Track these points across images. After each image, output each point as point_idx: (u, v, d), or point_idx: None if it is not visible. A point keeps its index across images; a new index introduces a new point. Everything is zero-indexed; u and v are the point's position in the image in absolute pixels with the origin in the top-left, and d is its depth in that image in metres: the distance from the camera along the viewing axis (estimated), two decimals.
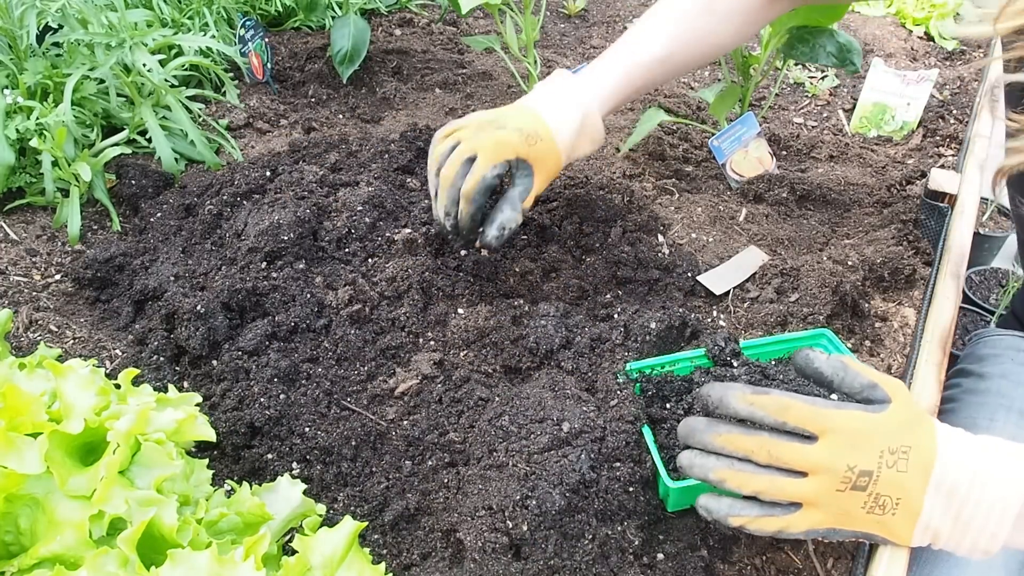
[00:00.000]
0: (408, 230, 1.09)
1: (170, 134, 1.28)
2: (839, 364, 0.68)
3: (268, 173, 1.20)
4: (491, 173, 0.90)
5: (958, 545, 0.64)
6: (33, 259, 1.10)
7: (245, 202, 1.14)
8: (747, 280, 1.11)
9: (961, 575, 0.76)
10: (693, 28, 1.03)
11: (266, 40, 1.49)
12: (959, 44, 2.04)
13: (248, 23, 1.50)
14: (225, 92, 1.47)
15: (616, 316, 1.00)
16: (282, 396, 0.86)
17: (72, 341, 0.97)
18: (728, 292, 1.09)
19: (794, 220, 1.28)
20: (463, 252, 1.03)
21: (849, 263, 1.10)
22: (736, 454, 0.66)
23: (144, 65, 1.21)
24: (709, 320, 1.05)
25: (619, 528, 0.74)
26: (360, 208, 1.09)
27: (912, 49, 2.01)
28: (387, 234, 1.08)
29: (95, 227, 1.19)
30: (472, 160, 0.91)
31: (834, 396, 0.79)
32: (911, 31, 2.10)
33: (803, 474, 0.64)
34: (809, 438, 0.65)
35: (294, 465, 0.83)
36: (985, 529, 0.63)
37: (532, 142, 0.92)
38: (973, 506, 0.63)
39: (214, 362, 0.92)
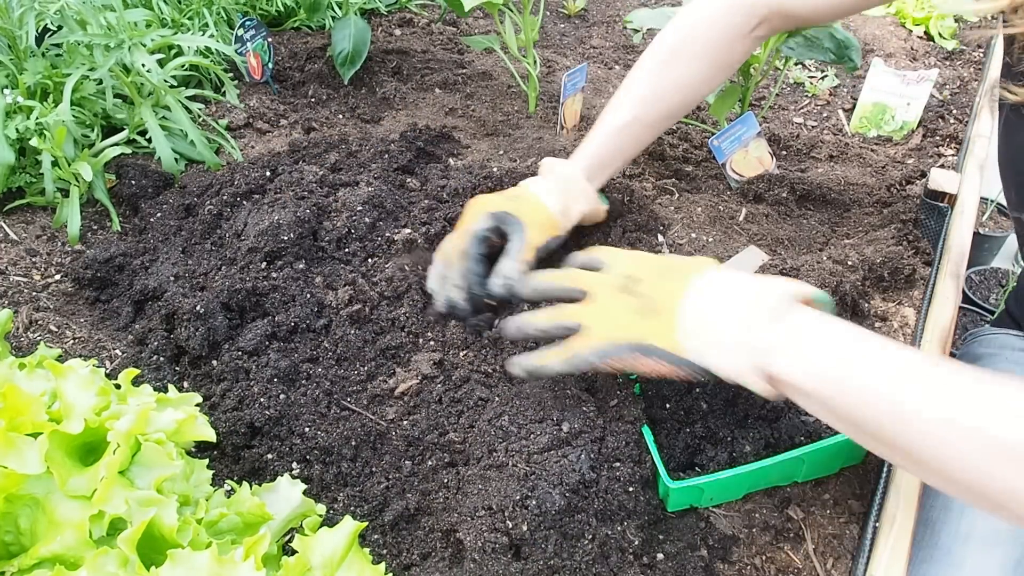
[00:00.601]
0: (408, 230, 1.09)
1: (170, 134, 1.28)
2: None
3: (268, 173, 1.20)
4: (477, 227, 0.94)
5: (707, 345, 0.67)
6: (33, 259, 1.10)
7: (245, 202, 1.14)
8: None
9: (957, 573, 0.76)
10: (655, 86, 1.05)
11: (268, 40, 1.49)
12: (959, 44, 2.04)
13: (248, 23, 1.50)
14: (225, 92, 1.47)
15: None
16: (282, 396, 0.86)
17: (72, 341, 0.97)
18: None
19: (794, 220, 1.28)
20: (485, 334, 0.97)
21: (849, 263, 1.10)
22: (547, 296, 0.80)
23: (143, 65, 1.21)
24: None
25: (619, 528, 0.74)
26: (360, 208, 1.09)
27: (912, 49, 2.01)
28: (387, 234, 1.08)
29: (95, 227, 1.19)
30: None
31: None
32: (911, 31, 2.10)
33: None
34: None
35: (294, 465, 0.83)
36: (717, 327, 0.66)
37: (513, 197, 0.99)
38: (714, 307, 0.68)
39: (214, 362, 0.92)
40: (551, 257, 1.00)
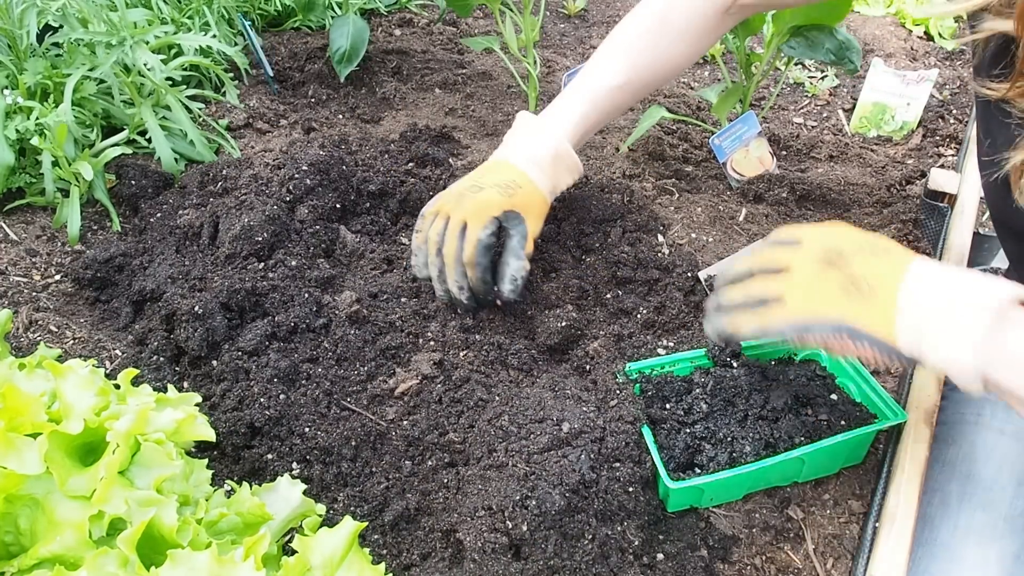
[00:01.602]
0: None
1: (170, 134, 1.28)
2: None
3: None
4: (484, 234, 0.93)
5: (926, 338, 0.63)
6: (33, 259, 1.10)
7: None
8: None
9: (958, 570, 0.76)
10: (647, 52, 1.05)
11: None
12: (959, 44, 2.03)
13: (247, 23, 1.51)
14: (225, 92, 1.47)
15: None
16: (282, 396, 0.86)
17: (72, 341, 0.97)
18: None
19: (794, 220, 1.28)
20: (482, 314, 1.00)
21: None
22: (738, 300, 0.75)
23: (145, 64, 1.20)
24: None
25: (619, 528, 0.74)
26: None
27: (912, 49, 2.01)
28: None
29: (95, 227, 1.19)
30: (465, 229, 0.93)
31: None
32: (911, 31, 2.10)
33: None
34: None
35: (294, 465, 0.83)
36: (940, 323, 0.63)
37: (512, 192, 0.96)
38: (951, 300, 0.63)
39: (214, 362, 0.91)
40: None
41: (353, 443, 0.83)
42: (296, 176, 1.09)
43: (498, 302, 0.96)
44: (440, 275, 0.95)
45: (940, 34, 2.07)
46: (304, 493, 0.71)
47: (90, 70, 1.19)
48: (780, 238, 0.75)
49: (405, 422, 0.85)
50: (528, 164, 0.98)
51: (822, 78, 1.88)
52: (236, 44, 1.61)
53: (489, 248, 0.93)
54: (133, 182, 1.21)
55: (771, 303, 0.70)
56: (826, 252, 0.70)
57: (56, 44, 1.30)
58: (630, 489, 0.76)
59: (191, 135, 1.27)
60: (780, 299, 0.70)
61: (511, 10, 1.45)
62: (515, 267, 0.93)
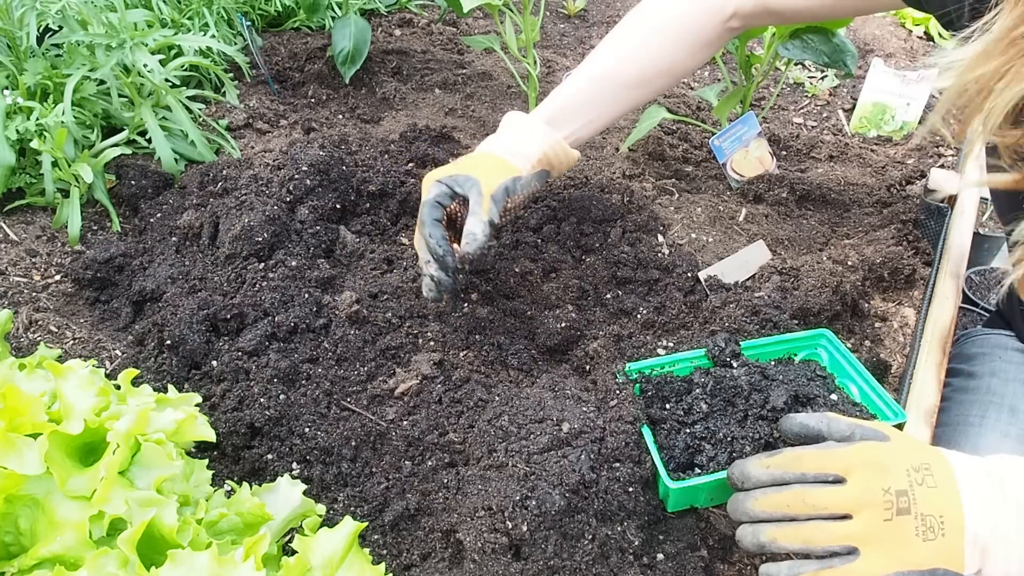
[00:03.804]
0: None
1: (170, 134, 1.28)
2: (822, 416, 0.70)
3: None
4: (431, 195, 0.92)
5: (1008, 558, 0.62)
6: (33, 259, 1.10)
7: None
8: (747, 279, 1.11)
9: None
10: (635, 45, 1.05)
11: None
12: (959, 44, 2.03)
13: (248, 24, 1.51)
14: (225, 92, 1.47)
15: None
16: (282, 396, 0.86)
17: (72, 341, 0.97)
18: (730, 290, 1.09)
19: (794, 220, 1.28)
20: (462, 306, 1.00)
21: (849, 263, 1.10)
22: (777, 514, 0.66)
23: (145, 65, 1.21)
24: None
25: (619, 528, 0.74)
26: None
27: (912, 49, 2.01)
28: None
29: (95, 227, 1.19)
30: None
31: None
32: (911, 31, 2.10)
33: (848, 518, 0.63)
34: (838, 482, 0.65)
35: (294, 465, 0.83)
36: (1010, 557, 0.62)
37: (458, 160, 0.97)
38: (1003, 531, 0.62)
39: (214, 363, 0.91)
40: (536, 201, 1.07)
41: (353, 443, 0.83)
42: (296, 176, 1.09)
43: (460, 259, 0.94)
44: (426, 266, 0.94)
45: (940, 34, 2.07)
46: (304, 493, 0.71)
47: (90, 71, 1.19)
48: (810, 470, 0.66)
49: (405, 422, 0.85)
50: (484, 141, 1.00)
51: (822, 78, 1.88)
52: (235, 44, 1.61)
53: (435, 207, 0.92)
54: (133, 182, 1.21)
55: (843, 556, 0.63)
56: (890, 495, 0.63)
57: (56, 45, 1.30)
58: (630, 489, 0.76)
59: (191, 135, 1.27)
60: (853, 551, 0.63)
61: (511, 10, 1.45)
62: (471, 224, 0.91)
